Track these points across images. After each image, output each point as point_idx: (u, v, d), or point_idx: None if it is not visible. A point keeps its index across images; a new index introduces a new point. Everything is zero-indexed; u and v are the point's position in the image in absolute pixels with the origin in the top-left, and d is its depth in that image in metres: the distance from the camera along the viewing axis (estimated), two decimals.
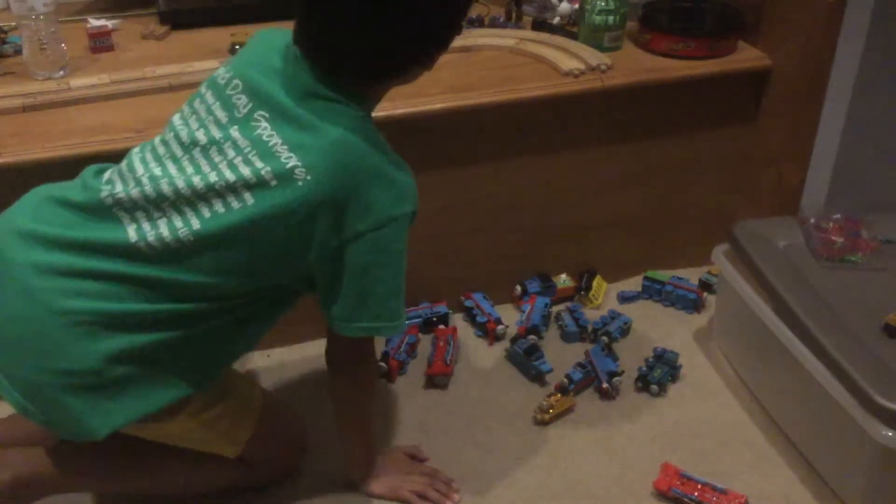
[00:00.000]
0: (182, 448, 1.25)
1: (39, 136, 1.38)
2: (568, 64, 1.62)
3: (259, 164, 1.05)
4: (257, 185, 1.05)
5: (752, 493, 1.36)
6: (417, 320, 1.70)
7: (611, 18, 1.69)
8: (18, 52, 1.60)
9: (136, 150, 1.16)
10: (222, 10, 1.84)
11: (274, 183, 1.04)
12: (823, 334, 1.33)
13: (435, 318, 1.71)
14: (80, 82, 1.51)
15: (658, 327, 1.75)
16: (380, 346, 1.66)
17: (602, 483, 1.40)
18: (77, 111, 1.46)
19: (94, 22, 1.68)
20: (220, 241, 1.07)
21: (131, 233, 1.08)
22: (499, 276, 1.79)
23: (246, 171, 1.05)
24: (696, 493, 1.34)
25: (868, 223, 1.57)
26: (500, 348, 1.68)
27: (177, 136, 1.12)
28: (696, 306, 1.80)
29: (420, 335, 1.69)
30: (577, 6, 1.77)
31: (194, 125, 1.12)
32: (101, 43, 1.67)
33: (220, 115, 1.11)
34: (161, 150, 1.13)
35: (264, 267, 1.10)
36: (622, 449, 1.46)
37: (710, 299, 1.80)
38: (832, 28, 1.60)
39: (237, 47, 1.66)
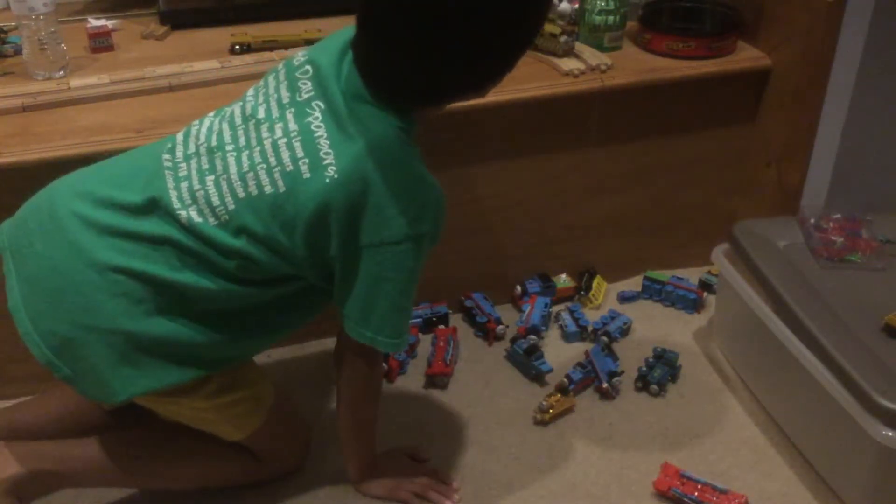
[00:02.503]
0: (191, 443, 1.27)
1: (39, 136, 1.38)
2: (568, 64, 1.62)
3: (300, 153, 1.07)
4: (292, 173, 1.07)
5: (752, 493, 1.36)
6: (417, 320, 1.70)
7: (611, 18, 1.69)
8: (18, 52, 1.60)
9: (211, 115, 1.19)
10: (222, 10, 1.84)
11: (307, 175, 1.06)
12: (823, 334, 1.33)
13: (435, 318, 1.71)
14: (80, 82, 1.51)
15: (658, 327, 1.75)
16: None
17: (602, 483, 1.40)
18: (77, 111, 1.46)
19: (94, 22, 1.67)
20: (251, 224, 1.09)
21: (174, 200, 1.10)
22: (499, 276, 1.79)
23: (285, 157, 1.07)
24: (696, 493, 1.34)
25: (868, 223, 1.57)
26: (500, 348, 1.68)
27: (242, 108, 1.15)
28: (696, 306, 1.80)
29: (420, 335, 1.69)
30: (577, 6, 1.77)
31: (260, 100, 1.14)
32: (101, 43, 1.67)
33: (284, 95, 1.12)
34: (226, 122, 1.15)
35: (292, 254, 1.11)
36: (622, 449, 1.46)
37: (710, 299, 1.80)
38: (832, 28, 1.60)
39: (237, 47, 1.66)
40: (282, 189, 1.07)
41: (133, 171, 1.15)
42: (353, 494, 1.37)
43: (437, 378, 1.59)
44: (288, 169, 1.07)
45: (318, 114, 1.09)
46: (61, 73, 1.54)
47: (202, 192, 1.10)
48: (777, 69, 1.70)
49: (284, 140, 1.08)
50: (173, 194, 1.11)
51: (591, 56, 1.65)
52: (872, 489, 1.29)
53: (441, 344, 1.64)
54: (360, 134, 1.06)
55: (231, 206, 1.09)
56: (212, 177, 1.11)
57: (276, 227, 1.09)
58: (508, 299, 1.81)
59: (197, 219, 1.10)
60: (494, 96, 1.55)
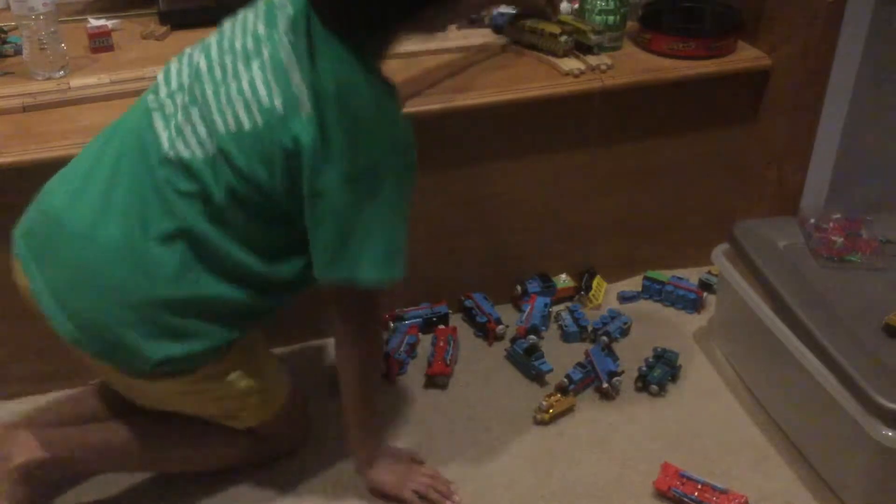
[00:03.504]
0: (192, 422, 1.29)
1: (39, 136, 1.38)
2: (568, 64, 1.62)
3: (274, 89, 1.08)
4: (268, 108, 1.08)
5: (752, 493, 1.36)
6: (417, 320, 1.70)
7: (611, 18, 1.69)
8: (18, 52, 1.60)
9: (189, 49, 1.20)
10: (222, 10, 1.83)
11: (281, 111, 1.07)
12: (823, 334, 1.33)
13: (435, 318, 1.71)
14: (80, 82, 1.51)
15: (658, 327, 1.75)
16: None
17: (602, 483, 1.40)
18: (77, 111, 1.46)
19: (94, 22, 1.67)
20: (235, 158, 1.10)
21: (164, 140, 1.13)
22: (499, 276, 1.79)
23: (262, 92, 1.08)
24: (696, 493, 1.34)
25: (868, 223, 1.57)
26: (500, 348, 1.68)
27: (220, 42, 1.16)
28: (696, 306, 1.80)
29: (420, 335, 1.69)
30: (577, 6, 1.77)
31: (237, 33, 1.15)
32: (101, 43, 1.67)
33: (260, 28, 1.13)
34: (204, 56, 1.16)
35: (274, 191, 1.11)
36: (622, 449, 1.46)
37: (710, 299, 1.80)
38: (832, 28, 1.60)
39: None
40: (260, 124, 1.08)
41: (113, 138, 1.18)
42: (350, 493, 1.37)
43: (437, 378, 1.59)
44: (264, 104, 1.08)
45: (290, 49, 1.09)
46: (61, 73, 1.54)
47: (189, 127, 1.12)
48: (777, 69, 1.70)
49: (260, 76, 1.09)
50: (163, 134, 1.13)
51: (591, 56, 1.65)
52: (872, 489, 1.29)
53: (441, 344, 1.64)
54: (329, 70, 1.07)
55: (214, 141, 1.11)
56: (195, 109, 1.13)
57: (257, 161, 1.09)
58: (508, 299, 1.81)
59: (184, 152, 1.11)
60: (495, 96, 1.56)
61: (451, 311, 1.74)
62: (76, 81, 1.52)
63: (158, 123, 1.14)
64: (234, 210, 1.12)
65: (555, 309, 1.77)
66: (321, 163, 1.07)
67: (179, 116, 1.13)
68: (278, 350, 1.66)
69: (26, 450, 1.23)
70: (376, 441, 1.38)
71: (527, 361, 1.61)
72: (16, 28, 1.60)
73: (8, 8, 1.57)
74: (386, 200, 1.11)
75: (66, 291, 1.15)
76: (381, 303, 1.28)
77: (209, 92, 1.12)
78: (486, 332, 1.70)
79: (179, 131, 1.12)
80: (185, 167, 1.11)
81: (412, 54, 1.68)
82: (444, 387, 1.59)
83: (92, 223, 1.13)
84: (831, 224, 1.57)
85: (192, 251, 1.13)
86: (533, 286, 1.79)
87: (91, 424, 1.33)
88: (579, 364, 1.60)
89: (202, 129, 1.11)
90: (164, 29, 1.77)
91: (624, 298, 1.83)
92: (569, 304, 1.80)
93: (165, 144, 1.12)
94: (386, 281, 1.15)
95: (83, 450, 1.28)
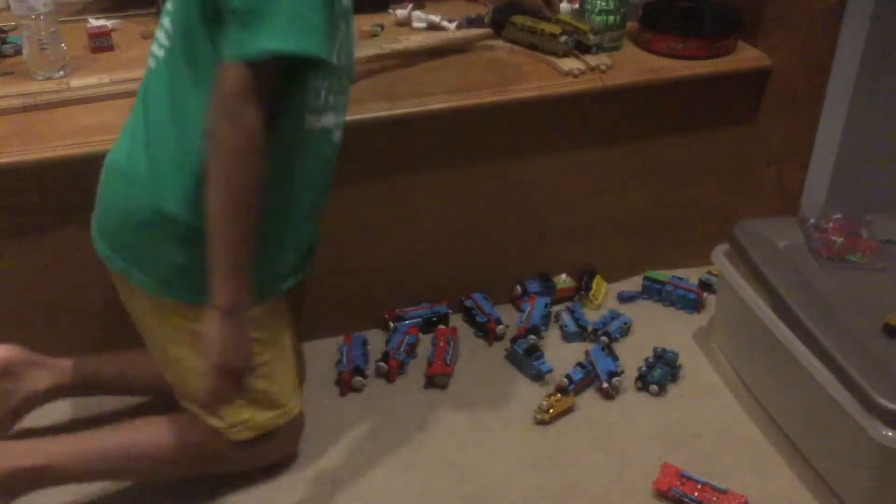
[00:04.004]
0: (179, 433, 1.28)
1: (39, 136, 1.38)
2: (568, 64, 1.62)
3: None
4: None
5: (752, 493, 1.36)
6: (417, 320, 1.70)
7: (611, 18, 1.69)
8: (18, 52, 1.60)
9: None
10: None
11: None
12: (823, 334, 1.33)
13: (435, 318, 1.71)
14: (80, 82, 1.51)
15: (658, 327, 1.75)
16: (380, 345, 1.66)
17: (602, 483, 1.40)
18: (77, 111, 1.46)
19: (94, 22, 1.68)
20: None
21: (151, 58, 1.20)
22: (499, 276, 1.79)
23: None
24: (696, 493, 1.34)
25: (868, 223, 1.57)
26: (500, 348, 1.68)
27: None
28: (696, 306, 1.80)
29: (420, 335, 1.69)
30: (577, 6, 1.77)
31: None
32: (101, 43, 1.67)
33: None
34: None
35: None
36: (622, 449, 1.46)
37: (710, 299, 1.80)
38: (832, 28, 1.60)
39: None
40: None
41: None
42: (348, 484, 1.37)
43: (437, 378, 1.59)
44: None
45: None
46: (61, 73, 1.54)
47: (160, 29, 1.20)
48: (777, 69, 1.70)
49: None
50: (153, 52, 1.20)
51: (591, 56, 1.65)
52: (872, 489, 1.29)
53: (441, 344, 1.64)
54: None
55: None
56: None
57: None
58: (508, 299, 1.81)
59: (157, 51, 1.19)
60: (494, 96, 1.56)
61: (451, 311, 1.74)
62: (76, 81, 1.52)
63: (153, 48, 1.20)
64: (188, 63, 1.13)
65: (555, 309, 1.77)
66: None
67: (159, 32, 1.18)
68: None
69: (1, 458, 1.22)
70: (239, 288, 1.11)
71: (527, 361, 1.61)
72: (16, 28, 1.60)
73: (8, 8, 1.57)
74: None
75: (102, 217, 1.23)
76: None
77: None
78: (486, 332, 1.70)
79: (156, 38, 1.19)
80: (154, 58, 1.18)
81: (412, 53, 1.69)
82: (444, 387, 1.59)
83: (114, 156, 1.21)
84: (831, 224, 1.57)
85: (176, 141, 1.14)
86: (533, 286, 1.78)
87: (59, 435, 1.32)
88: (579, 364, 1.60)
89: (165, 20, 1.17)
90: None
91: (624, 298, 1.83)
92: (569, 304, 1.80)
93: (152, 63, 1.18)
94: (294, 50, 1.04)
95: (51, 459, 1.25)
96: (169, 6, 1.17)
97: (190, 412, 1.30)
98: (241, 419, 1.28)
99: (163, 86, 1.16)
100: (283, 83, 1.09)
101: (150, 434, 1.30)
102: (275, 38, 1.02)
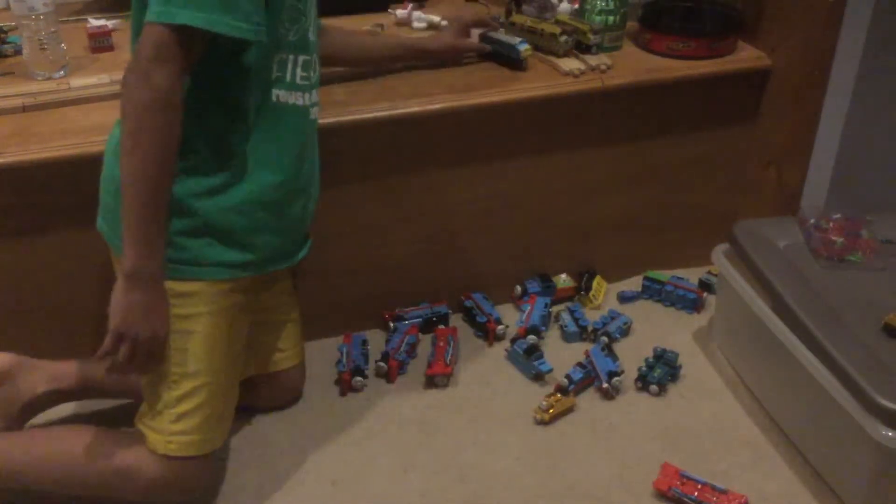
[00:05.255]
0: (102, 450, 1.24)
1: (39, 136, 1.38)
2: (568, 64, 1.62)
3: None
4: None
5: (752, 493, 1.36)
6: (417, 320, 1.70)
7: (611, 18, 1.69)
8: (18, 52, 1.60)
9: None
10: None
11: None
12: (823, 334, 1.33)
13: (435, 318, 1.71)
14: (80, 82, 1.51)
15: (658, 327, 1.75)
16: (380, 345, 1.66)
17: (602, 483, 1.40)
18: (77, 111, 1.46)
19: (94, 22, 1.67)
20: None
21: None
22: (499, 276, 1.79)
23: None
24: (696, 493, 1.34)
25: (868, 223, 1.57)
26: (500, 348, 1.68)
27: None
28: (696, 306, 1.80)
29: (420, 335, 1.69)
30: (577, 6, 1.77)
31: None
32: (101, 43, 1.67)
33: None
34: None
35: None
36: (622, 449, 1.46)
37: (710, 299, 1.80)
38: (832, 28, 1.60)
39: None
40: None
41: None
42: (348, 484, 1.37)
43: (437, 378, 1.59)
44: None
45: None
46: (61, 73, 1.54)
47: None
48: (777, 69, 1.70)
49: None
50: None
51: (591, 56, 1.65)
52: (872, 489, 1.29)
53: (441, 344, 1.64)
54: None
55: None
56: None
57: None
58: (508, 299, 1.81)
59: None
60: (494, 96, 1.56)
61: (451, 311, 1.74)
62: (76, 81, 1.52)
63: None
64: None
65: (555, 309, 1.77)
66: None
67: None
68: None
69: None
70: (146, 252, 1.10)
71: (527, 361, 1.61)
72: (16, 28, 1.60)
73: (8, 8, 1.57)
74: None
75: (102, 196, 1.24)
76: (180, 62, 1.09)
77: None
78: (486, 332, 1.70)
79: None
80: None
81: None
82: (444, 387, 1.59)
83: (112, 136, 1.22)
84: (831, 224, 1.57)
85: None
86: (533, 286, 1.79)
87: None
88: (579, 364, 1.60)
89: None
90: None
91: (624, 298, 1.83)
92: (569, 304, 1.80)
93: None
94: (203, 26, 1.05)
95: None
96: None
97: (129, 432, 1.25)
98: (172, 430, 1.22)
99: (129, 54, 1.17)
100: (217, 51, 1.10)
101: (71, 442, 1.25)
102: (186, 11, 1.04)
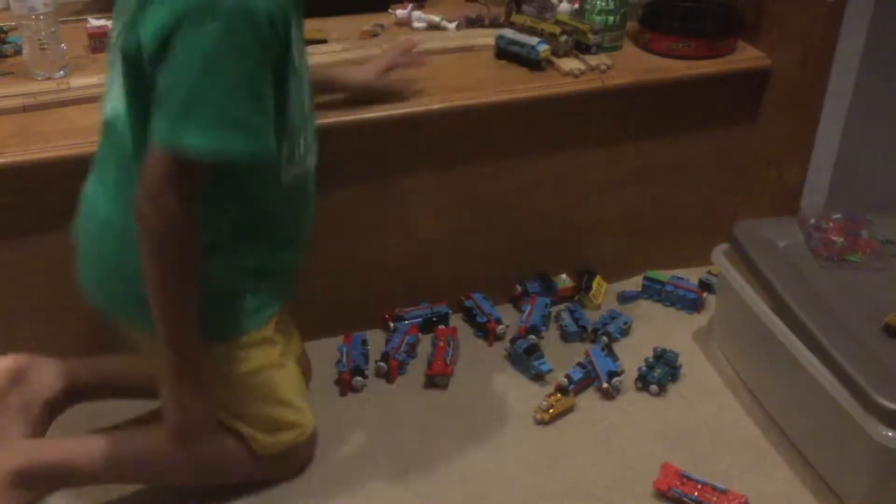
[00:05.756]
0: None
1: (39, 136, 1.38)
2: (568, 64, 1.62)
3: None
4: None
5: (752, 493, 1.36)
6: (417, 320, 1.70)
7: (611, 18, 1.69)
8: (18, 52, 1.60)
9: None
10: None
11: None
12: (823, 334, 1.33)
13: (435, 318, 1.71)
14: (80, 82, 1.51)
15: (658, 327, 1.75)
16: (380, 345, 1.66)
17: (602, 483, 1.40)
18: (77, 111, 1.46)
19: (94, 22, 1.67)
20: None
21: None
22: (499, 276, 1.79)
23: None
24: (696, 493, 1.34)
25: (868, 223, 1.57)
26: (500, 348, 1.68)
27: None
28: (696, 306, 1.80)
29: (420, 335, 1.69)
30: (577, 6, 1.77)
31: None
32: (101, 43, 1.66)
33: None
34: None
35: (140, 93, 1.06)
36: (622, 449, 1.46)
37: (710, 299, 1.80)
38: (832, 28, 1.60)
39: None
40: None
41: None
42: (347, 483, 1.37)
43: (437, 378, 1.59)
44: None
45: None
46: (61, 73, 1.54)
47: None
48: (777, 69, 1.70)
49: None
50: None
51: (591, 56, 1.65)
52: (872, 489, 1.29)
53: (441, 344, 1.64)
54: None
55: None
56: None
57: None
58: (508, 299, 1.81)
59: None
60: (494, 96, 1.56)
61: (451, 311, 1.74)
62: (76, 81, 1.51)
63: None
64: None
65: (555, 309, 1.77)
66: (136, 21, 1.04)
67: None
68: None
69: (18, 454, 1.23)
70: (186, 351, 1.13)
71: (527, 361, 1.61)
72: (16, 28, 1.60)
73: (8, 8, 1.57)
74: (217, 52, 0.99)
75: (94, 268, 1.21)
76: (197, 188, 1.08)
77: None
78: (486, 332, 1.70)
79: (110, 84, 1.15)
80: (113, 102, 1.14)
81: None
82: (444, 387, 1.59)
83: (93, 203, 1.19)
84: (831, 224, 1.57)
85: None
86: (533, 286, 1.78)
87: (80, 435, 1.34)
88: (579, 364, 1.60)
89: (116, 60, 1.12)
90: None
91: (624, 298, 1.83)
92: (569, 304, 1.80)
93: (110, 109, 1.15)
94: (216, 152, 1.02)
95: (68, 457, 1.26)
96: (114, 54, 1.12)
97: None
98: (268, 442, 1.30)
99: (126, 137, 1.12)
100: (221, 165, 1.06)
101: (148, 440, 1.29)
102: (195, 136, 1.00)
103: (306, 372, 1.54)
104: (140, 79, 1.05)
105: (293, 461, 1.38)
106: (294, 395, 1.33)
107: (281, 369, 1.31)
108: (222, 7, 0.96)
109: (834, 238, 1.54)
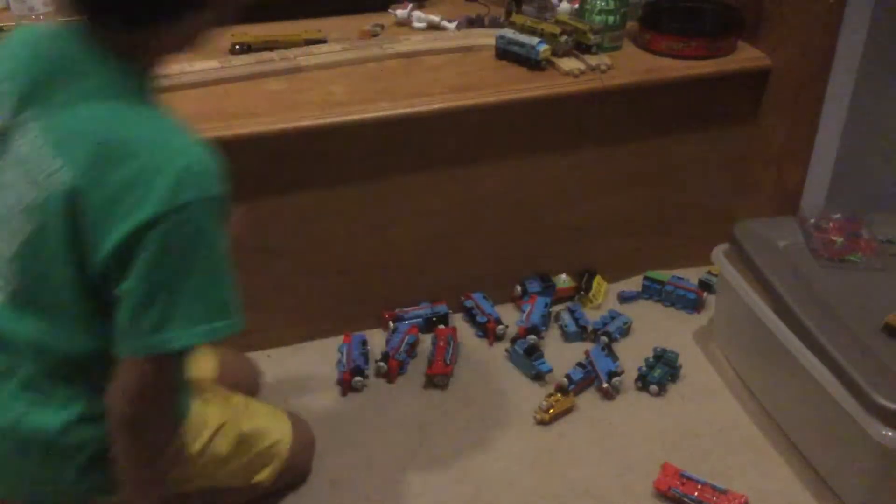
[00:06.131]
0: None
1: None
2: (568, 64, 1.62)
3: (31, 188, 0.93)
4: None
5: (752, 493, 1.36)
6: (417, 320, 1.70)
7: (611, 18, 1.69)
8: None
9: None
10: None
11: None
12: (823, 334, 1.33)
13: (435, 318, 1.71)
14: None
15: (658, 327, 1.75)
16: (380, 345, 1.66)
17: (602, 483, 1.40)
18: None
19: None
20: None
21: None
22: (499, 276, 1.79)
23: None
24: (696, 493, 1.34)
25: (868, 223, 1.57)
26: (500, 348, 1.68)
27: None
28: (696, 306, 1.80)
29: (420, 335, 1.69)
30: (577, 6, 1.77)
31: None
32: None
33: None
34: None
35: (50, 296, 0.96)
36: (622, 449, 1.46)
37: (710, 299, 1.80)
38: (832, 28, 1.60)
39: (237, 47, 1.66)
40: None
41: None
42: (348, 483, 1.37)
43: (437, 378, 1.59)
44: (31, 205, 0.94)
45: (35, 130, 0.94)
46: None
47: None
48: (777, 69, 1.70)
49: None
50: None
51: (591, 56, 1.65)
52: (872, 489, 1.29)
53: (441, 344, 1.64)
54: (79, 108, 0.92)
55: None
56: None
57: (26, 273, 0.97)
58: (508, 299, 1.81)
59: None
60: (494, 96, 1.56)
61: (451, 311, 1.74)
62: None
63: None
64: None
65: (555, 309, 1.77)
66: (93, 221, 0.91)
67: None
68: (278, 350, 1.66)
69: None
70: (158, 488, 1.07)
71: (527, 361, 1.61)
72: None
73: (8, 8, 1.57)
74: (190, 250, 0.92)
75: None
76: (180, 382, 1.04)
77: None
78: (487, 332, 1.70)
79: None
80: None
81: (412, 54, 1.69)
82: (444, 387, 1.59)
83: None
84: (831, 224, 1.57)
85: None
86: (533, 286, 1.79)
87: None
88: (579, 364, 1.60)
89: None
90: None
91: (624, 298, 1.83)
92: (569, 304, 1.80)
93: None
94: (215, 337, 0.95)
95: None
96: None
97: None
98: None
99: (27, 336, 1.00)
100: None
101: None
102: (196, 332, 0.93)
103: (250, 378, 1.50)
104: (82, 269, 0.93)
105: (292, 471, 1.35)
106: (244, 422, 1.26)
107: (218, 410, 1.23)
108: (196, 198, 0.89)
109: (834, 238, 1.54)
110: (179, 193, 0.88)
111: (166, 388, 0.99)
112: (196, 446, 1.18)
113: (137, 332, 0.92)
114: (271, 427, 1.31)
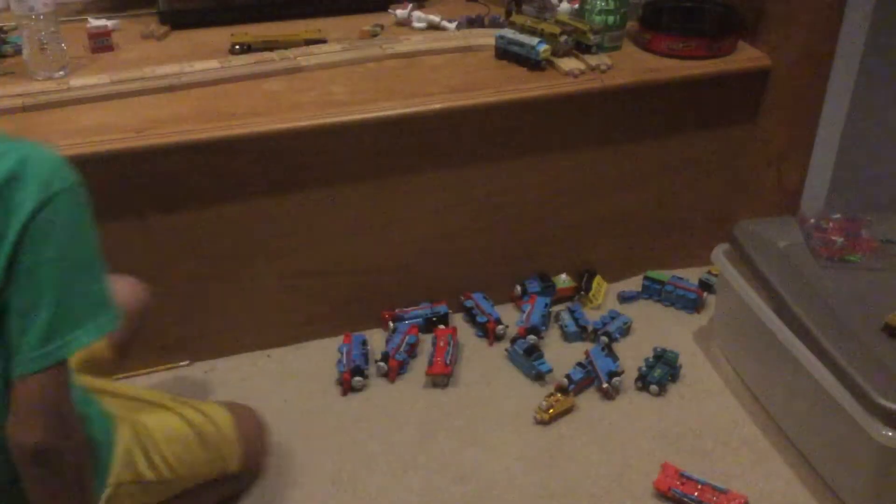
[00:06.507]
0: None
1: (39, 136, 1.37)
2: (568, 64, 1.62)
3: None
4: None
5: (752, 493, 1.36)
6: (417, 320, 1.70)
7: (611, 18, 1.69)
8: (18, 52, 1.60)
9: None
10: (222, 10, 1.84)
11: None
12: (823, 334, 1.33)
13: (435, 318, 1.71)
14: (80, 82, 1.51)
15: (658, 327, 1.75)
16: (380, 345, 1.66)
17: (602, 483, 1.40)
18: (77, 111, 1.46)
19: (94, 22, 1.68)
20: None
21: None
22: (499, 276, 1.79)
23: None
24: (696, 493, 1.34)
25: (868, 223, 1.57)
26: (500, 348, 1.68)
27: None
28: (696, 306, 1.80)
29: (420, 335, 1.69)
30: (577, 6, 1.77)
31: None
32: (101, 43, 1.67)
33: None
34: None
35: None
36: (622, 449, 1.46)
37: (710, 299, 1.80)
38: (832, 28, 1.60)
39: (237, 47, 1.66)
40: None
41: None
42: (348, 483, 1.37)
43: (437, 378, 1.59)
44: None
45: None
46: (61, 73, 1.54)
47: None
48: (777, 69, 1.70)
49: None
50: None
51: (591, 56, 1.65)
52: (872, 489, 1.29)
53: (441, 344, 1.64)
54: None
55: None
56: None
57: None
58: (508, 299, 1.81)
59: None
60: (494, 96, 1.56)
61: (451, 311, 1.74)
62: (76, 81, 1.52)
63: None
64: None
65: (555, 309, 1.77)
66: None
67: None
68: (278, 350, 1.66)
69: None
70: None
71: (527, 361, 1.61)
72: (16, 28, 1.60)
73: (8, 8, 1.57)
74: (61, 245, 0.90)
75: None
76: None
77: None
78: (486, 332, 1.70)
79: None
80: None
81: (412, 54, 1.69)
82: (444, 387, 1.59)
83: None
84: (831, 224, 1.57)
85: None
86: (533, 286, 1.79)
87: None
88: (579, 364, 1.60)
89: None
90: (164, 29, 1.78)
91: (624, 298, 1.83)
92: (569, 304, 1.80)
93: None
94: (107, 331, 0.93)
95: None
96: None
97: None
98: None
99: None
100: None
101: None
102: (85, 330, 0.91)
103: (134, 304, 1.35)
104: None
105: (250, 452, 1.31)
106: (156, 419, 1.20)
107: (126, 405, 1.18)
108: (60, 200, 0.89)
109: (834, 238, 1.54)
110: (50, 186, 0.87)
111: (67, 400, 0.92)
112: (139, 468, 1.13)
113: (25, 345, 0.88)
114: (179, 408, 1.24)
